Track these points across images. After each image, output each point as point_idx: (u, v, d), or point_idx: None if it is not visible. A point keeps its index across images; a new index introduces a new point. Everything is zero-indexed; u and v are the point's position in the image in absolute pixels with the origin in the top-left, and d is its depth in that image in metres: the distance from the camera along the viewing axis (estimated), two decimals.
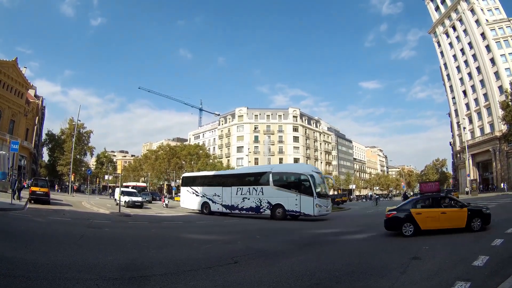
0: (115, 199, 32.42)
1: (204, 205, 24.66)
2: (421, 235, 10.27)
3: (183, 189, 27.66)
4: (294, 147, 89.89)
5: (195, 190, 25.95)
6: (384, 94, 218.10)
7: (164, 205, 33.58)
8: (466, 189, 57.82)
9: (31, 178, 41.28)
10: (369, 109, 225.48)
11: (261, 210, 20.98)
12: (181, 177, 27.75)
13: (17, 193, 22.66)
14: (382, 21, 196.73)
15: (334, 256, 8.09)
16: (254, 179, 22.69)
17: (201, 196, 25.13)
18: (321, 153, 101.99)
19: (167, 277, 5.88)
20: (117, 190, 31.39)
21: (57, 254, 7.40)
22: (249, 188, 21.98)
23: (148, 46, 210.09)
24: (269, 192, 20.82)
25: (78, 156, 60.16)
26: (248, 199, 21.77)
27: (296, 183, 20.13)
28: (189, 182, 27.39)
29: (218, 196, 23.74)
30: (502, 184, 47.62)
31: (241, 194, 22.24)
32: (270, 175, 21.12)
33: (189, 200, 26.34)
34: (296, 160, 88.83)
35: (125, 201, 28.33)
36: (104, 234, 12.34)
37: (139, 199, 30.64)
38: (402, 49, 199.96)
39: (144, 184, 59.65)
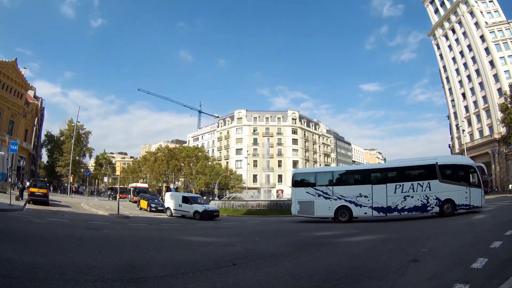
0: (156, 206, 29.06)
1: (341, 210, 19.14)
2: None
3: (298, 191, 20.94)
4: (293, 149, 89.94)
5: (322, 191, 19.99)
6: (384, 97, 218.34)
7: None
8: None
9: (30, 179, 41.21)
10: (369, 111, 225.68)
11: (428, 208, 17.89)
12: (292, 174, 22.18)
13: (18, 193, 22.71)
14: (383, 23, 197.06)
15: (333, 258, 8.09)
16: (416, 173, 19.12)
17: (335, 199, 19.47)
18: (320, 155, 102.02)
19: (166, 279, 5.88)
20: (170, 195, 27.68)
21: (56, 255, 7.39)
22: (412, 184, 18.23)
23: (148, 48, 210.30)
24: (437, 187, 17.87)
25: (77, 157, 60.19)
26: (412, 197, 18.03)
27: (465, 175, 18.24)
28: (310, 180, 21.23)
29: (366, 197, 18.83)
30: (510, 186, 47.04)
31: (402, 192, 18.23)
32: (437, 168, 18.21)
33: (310, 205, 20.16)
34: (295, 163, 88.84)
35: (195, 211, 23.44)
36: (103, 235, 12.33)
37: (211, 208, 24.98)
38: (402, 51, 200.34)
39: (146, 185, 57.19)
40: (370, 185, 19.02)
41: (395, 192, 18.26)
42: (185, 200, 24.97)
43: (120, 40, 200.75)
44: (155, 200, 31.89)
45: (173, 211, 25.35)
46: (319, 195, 19.87)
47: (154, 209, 28.88)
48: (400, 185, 18.31)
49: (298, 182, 21.37)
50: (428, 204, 17.71)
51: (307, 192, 20.28)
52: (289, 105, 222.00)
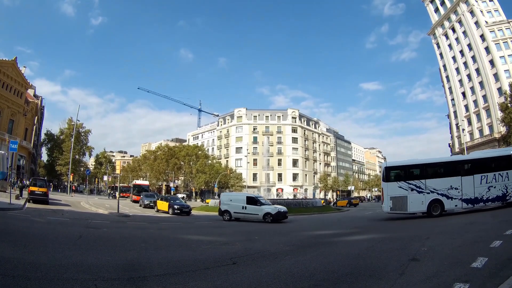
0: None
1: (434, 203, 18.51)
2: None
3: (390, 186, 19.75)
4: (293, 148, 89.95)
5: (415, 185, 19.12)
6: (384, 96, 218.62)
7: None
8: None
9: (29, 178, 41.21)
10: (370, 110, 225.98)
11: (507, 198, 17.98)
12: (382, 168, 20.97)
13: (19, 192, 22.74)
14: (383, 22, 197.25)
15: (332, 257, 8.09)
16: (497, 164, 19.08)
17: (428, 193, 18.74)
18: (320, 154, 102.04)
19: (166, 277, 5.88)
20: (228, 196, 24.44)
21: (55, 254, 7.39)
22: (494, 174, 18.26)
23: (149, 46, 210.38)
24: None
25: (77, 156, 60.12)
26: (494, 187, 18.07)
27: None
28: (401, 174, 20.17)
29: (456, 189, 18.38)
30: None
31: (486, 183, 18.16)
32: None
33: (404, 200, 19.16)
34: (294, 161, 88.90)
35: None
36: (102, 234, 12.33)
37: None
38: (403, 50, 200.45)
39: (147, 183, 54.01)
40: (460, 176, 18.59)
41: (480, 183, 18.14)
42: (251, 201, 22.14)
43: (120, 39, 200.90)
44: (177, 201, 28.61)
45: (233, 214, 22.12)
46: (412, 190, 18.96)
47: (178, 211, 25.55)
48: (484, 176, 18.20)
49: (389, 177, 20.10)
50: (507, 194, 17.88)
51: (400, 187, 19.25)
52: (289, 104, 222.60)
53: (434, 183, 18.74)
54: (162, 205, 27.83)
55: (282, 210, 21.34)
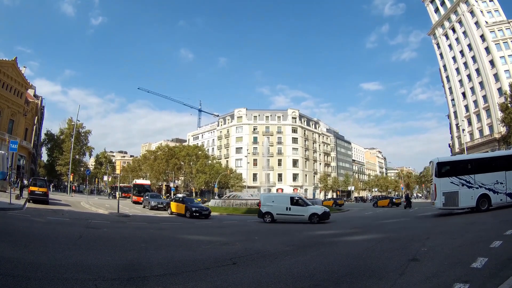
0: None
1: (482, 198, 18.64)
2: None
3: (442, 182, 19.51)
4: (293, 148, 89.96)
5: (465, 180, 19.19)
6: (384, 96, 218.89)
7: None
8: None
9: (29, 178, 41.23)
10: (370, 110, 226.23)
11: None
12: (434, 164, 20.33)
13: (19, 191, 22.76)
14: (384, 22, 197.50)
15: (332, 257, 8.09)
16: None
17: (477, 188, 18.96)
18: (320, 154, 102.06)
19: (166, 277, 5.88)
20: (269, 197, 23.35)
21: (56, 254, 7.40)
22: None
23: (149, 46, 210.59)
24: None
25: (77, 156, 60.16)
26: None
27: None
28: (452, 169, 20.17)
29: (501, 183, 18.73)
30: None
31: None
32: None
33: (455, 196, 19.05)
34: (294, 162, 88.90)
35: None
36: (102, 234, 12.33)
37: None
38: (403, 50, 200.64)
39: (148, 182, 49.18)
40: (504, 171, 18.86)
41: None
42: (296, 202, 21.24)
43: (121, 39, 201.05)
44: (194, 202, 26.73)
45: (276, 215, 20.93)
46: (463, 185, 19.04)
47: (197, 213, 23.45)
48: None
49: (441, 172, 19.88)
50: None
51: (452, 182, 19.22)
52: (290, 104, 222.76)
53: (482, 178, 18.90)
54: (178, 207, 25.64)
55: (327, 210, 20.94)
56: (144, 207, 32.15)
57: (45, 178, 45.25)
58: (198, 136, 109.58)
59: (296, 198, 21.99)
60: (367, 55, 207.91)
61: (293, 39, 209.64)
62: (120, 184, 61.06)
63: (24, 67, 51.64)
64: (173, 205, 26.40)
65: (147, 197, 33.58)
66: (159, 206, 29.88)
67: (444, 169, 20.10)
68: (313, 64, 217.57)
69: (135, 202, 37.66)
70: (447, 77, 68.46)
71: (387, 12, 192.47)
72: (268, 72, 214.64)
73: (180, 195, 51.25)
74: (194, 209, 23.75)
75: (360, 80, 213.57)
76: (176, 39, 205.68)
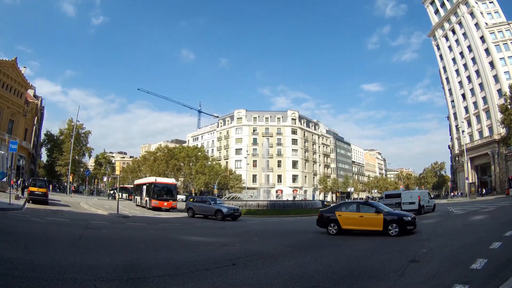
0: None
1: None
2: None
3: None
4: (292, 149, 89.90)
5: None
6: (385, 97, 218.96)
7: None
8: (458, 191, 58.17)
9: (29, 178, 41.19)
10: (371, 111, 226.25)
11: None
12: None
13: (20, 191, 22.77)
14: (385, 23, 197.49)
15: (332, 258, 8.08)
16: None
17: None
18: (319, 155, 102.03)
19: (165, 278, 5.88)
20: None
21: (55, 255, 7.39)
22: None
23: (150, 46, 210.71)
24: None
25: (76, 157, 60.15)
26: None
27: None
28: None
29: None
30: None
31: None
32: None
33: None
34: (294, 163, 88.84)
35: None
36: (102, 235, 12.31)
37: None
38: (404, 51, 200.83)
39: (173, 181, 34.89)
40: None
41: None
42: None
43: (122, 38, 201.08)
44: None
45: None
46: None
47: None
48: None
49: None
50: None
51: None
52: (290, 105, 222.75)
53: None
54: None
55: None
56: (192, 216, 23.59)
57: (45, 178, 45.15)
58: (197, 137, 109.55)
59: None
60: (368, 56, 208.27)
61: (294, 39, 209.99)
62: (126, 185, 58.81)
63: (24, 67, 51.69)
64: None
65: (201, 202, 24.61)
66: (235, 214, 22.60)
67: None
68: (315, 65, 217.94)
69: (157, 208, 28.14)
70: (447, 78, 68.56)
71: (389, 13, 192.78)
72: (269, 73, 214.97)
73: (180, 196, 50.24)
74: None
75: (361, 81, 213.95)
76: (178, 39, 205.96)
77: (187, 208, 24.81)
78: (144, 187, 31.91)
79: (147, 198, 29.93)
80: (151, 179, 32.72)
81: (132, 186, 48.54)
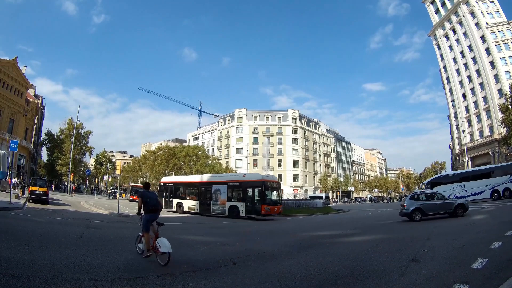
0: None
1: None
2: None
3: None
4: (293, 149, 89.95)
5: None
6: (387, 96, 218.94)
7: None
8: None
9: (30, 177, 41.22)
10: (372, 111, 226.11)
11: None
12: None
13: (21, 190, 22.81)
14: (388, 22, 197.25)
15: (332, 258, 8.08)
16: None
17: None
18: (320, 155, 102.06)
19: (166, 278, 5.88)
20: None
21: (55, 254, 7.39)
22: None
23: (152, 45, 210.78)
24: None
25: (77, 156, 60.22)
26: None
27: None
28: None
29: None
30: None
31: None
32: None
33: None
34: (294, 162, 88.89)
35: None
36: (102, 234, 12.32)
37: None
38: (407, 51, 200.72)
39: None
40: None
41: None
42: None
43: (124, 37, 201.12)
44: None
45: None
46: None
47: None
48: None
49: None
50: None
51: None
52: (292, 104, 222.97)
53: None
54: None
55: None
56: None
57: (45, 178, 45.19)
58: (198, 137, 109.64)
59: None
60: (371, 55, 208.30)
61: (298, 39, 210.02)
62: (134, 184, 58.43)
63: (24, 66, 51.76)
64: None
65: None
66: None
67: None
68: (317, 65, 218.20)
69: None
70: (448, 78, 68.52)
71: (391, 12, 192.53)
72: (272, 72, 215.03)
73: None
74: None
75: (363, 81, 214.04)
76: (180, 38, 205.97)
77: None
78: (173, 186, 27.67)
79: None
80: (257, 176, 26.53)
81: (138, 185, 48.21)
